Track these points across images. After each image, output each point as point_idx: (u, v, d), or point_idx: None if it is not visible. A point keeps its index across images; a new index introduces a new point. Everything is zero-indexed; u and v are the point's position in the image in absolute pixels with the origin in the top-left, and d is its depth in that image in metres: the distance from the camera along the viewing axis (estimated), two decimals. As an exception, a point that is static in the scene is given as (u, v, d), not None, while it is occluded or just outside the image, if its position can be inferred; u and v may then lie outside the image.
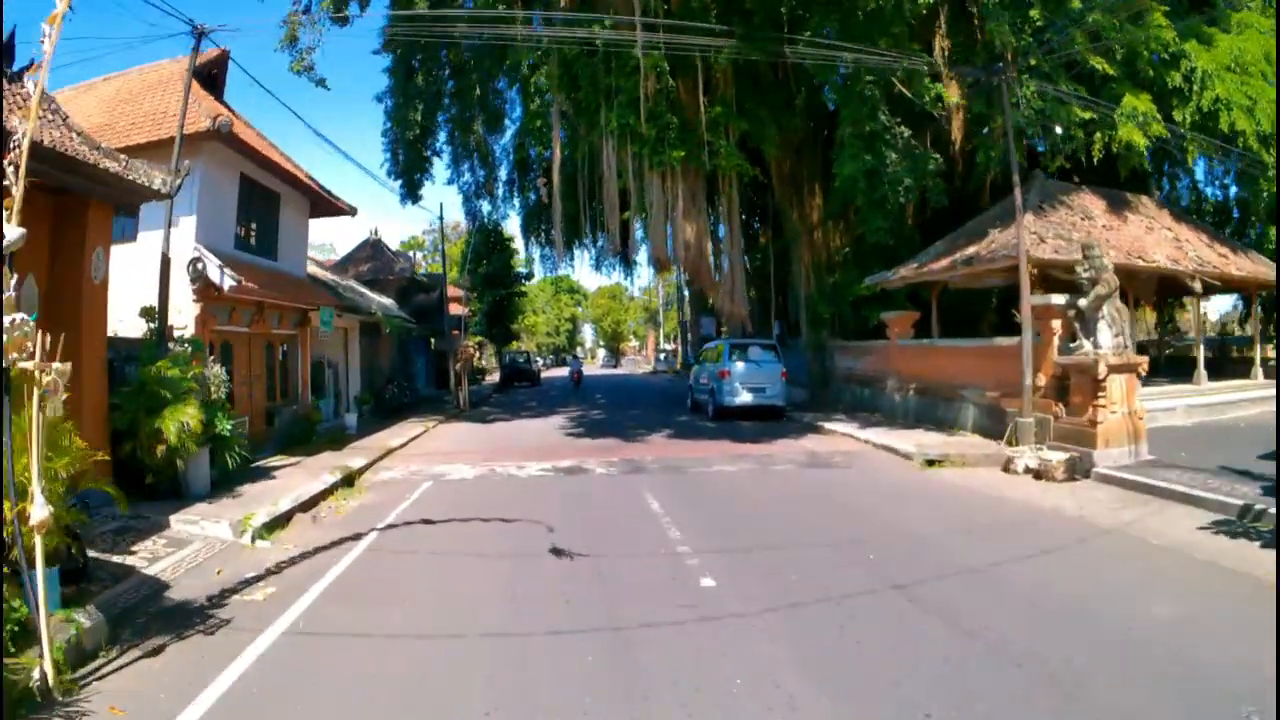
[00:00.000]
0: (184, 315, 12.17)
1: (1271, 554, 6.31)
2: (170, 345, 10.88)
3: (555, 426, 18.84)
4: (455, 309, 52.20)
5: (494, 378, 40.01)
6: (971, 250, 15.97)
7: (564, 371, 71.69)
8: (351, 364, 21.25)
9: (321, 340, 18.74)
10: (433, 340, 33.67)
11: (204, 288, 12.42)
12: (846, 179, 16.78)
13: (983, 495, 9.75)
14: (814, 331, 23.79)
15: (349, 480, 11.47)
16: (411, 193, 26.11)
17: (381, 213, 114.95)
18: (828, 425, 17.05)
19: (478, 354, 46.08)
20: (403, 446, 15.50)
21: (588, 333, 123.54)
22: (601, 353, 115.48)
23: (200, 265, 12.34)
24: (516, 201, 33.35)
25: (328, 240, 49.29)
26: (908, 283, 18.94)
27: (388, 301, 24.80)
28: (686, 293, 48.97)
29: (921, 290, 19.11)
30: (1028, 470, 10.76)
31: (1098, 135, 15.94)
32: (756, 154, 20.86)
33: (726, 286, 20.52)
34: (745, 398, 19.73)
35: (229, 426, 10.58)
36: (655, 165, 17.47)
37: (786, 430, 17.12)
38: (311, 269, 21.38)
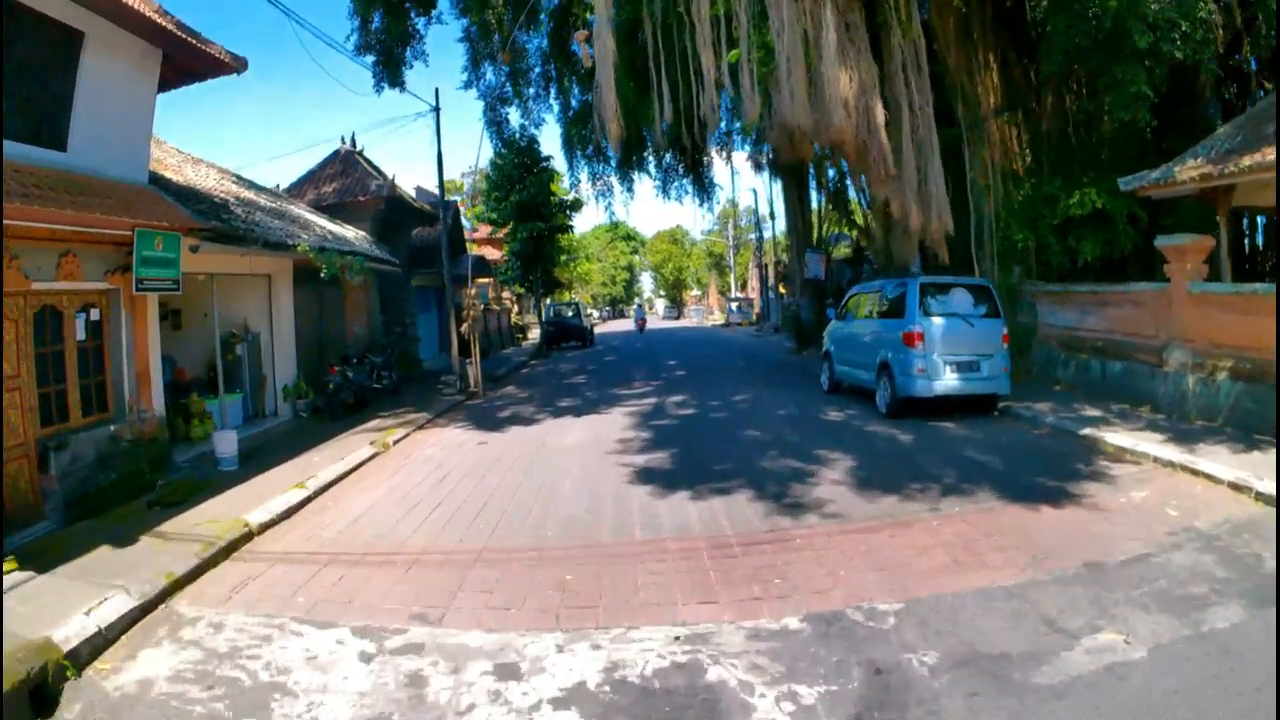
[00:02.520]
0: None
1: None
2: None
3: (614, 441, 10.18)
4: (487, 252, 43.97)
5: (536, 337, 31.74)
6: None
7: (622, 326, 63.56)
8: (280, 332, 13.10)
9: (229, 297, 10.70)
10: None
11: None
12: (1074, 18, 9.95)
13: None
14: (1003, 271, 14.80)
15: None
16: (391, 73, 17.58)
17: (412, 162, 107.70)
18: (1108, 436, 8.47)
19: (514, 307, 37.89)
20: (256, 535, 7.14)
21: (646, 282, 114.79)
22: (660, 303, 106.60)
23: None
24: (555, 105, 24.67)
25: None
26: (1203, 187, 10.10)
27: (351, 233, 16.48)
28: (771, 226, 39.70)
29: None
30: None
31: None
32: None
33: (910, 181, 11.49)
34: (950, 380, 11.02)
35: None
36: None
37: (1043, 450, 8.63)
38: (203, 179, 13.10)
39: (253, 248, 10.47)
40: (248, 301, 12.94)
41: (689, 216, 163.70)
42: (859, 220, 24.34)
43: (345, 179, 19.45)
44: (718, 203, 52.31)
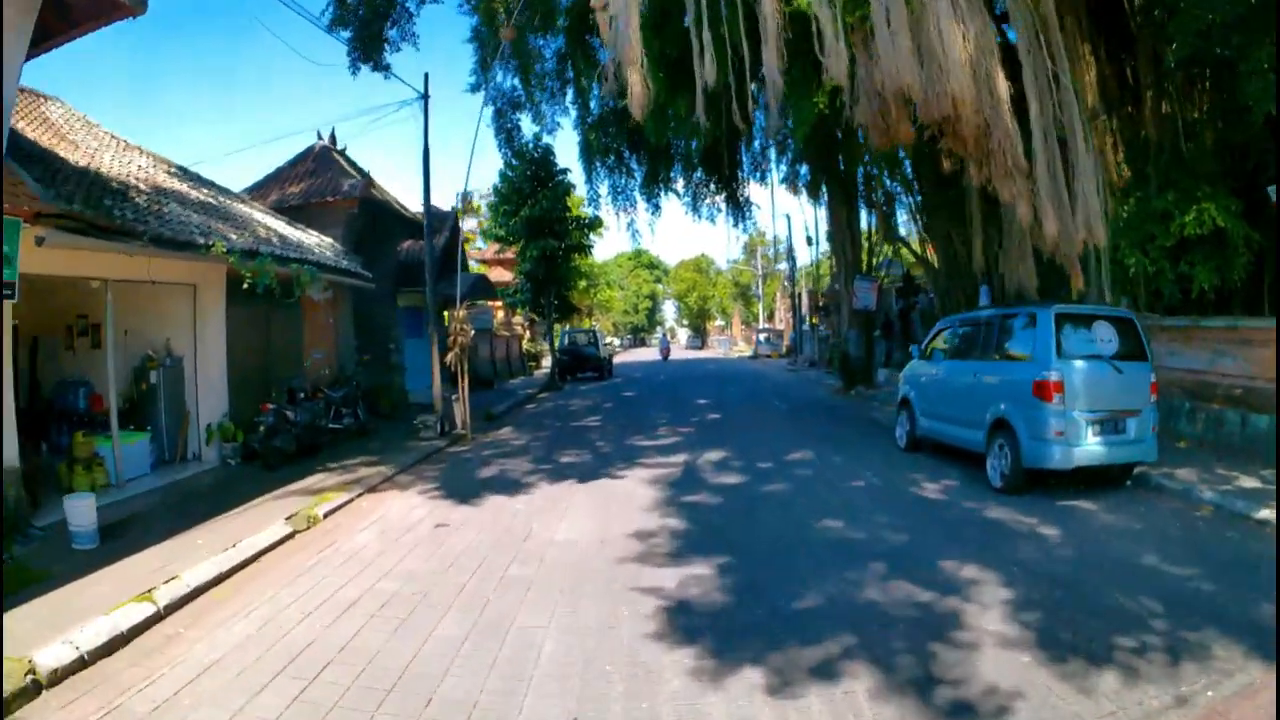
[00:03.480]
0: None
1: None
2: None
3: (629, 535, 6.78)
4: (499, 274, 41.28)
5: (549, 365, 28.81)
6: None
7: (643, 355, 60.70)
8: (207, 357, 10.24)
9: (147, 310, 8.07)
10: (445, 315, 22.65)
11: None
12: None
13: None
14: (1113, 303, 11.92)
15: None
16: (367, 52, 14.92)
17: (412, 173, 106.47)
18: None
19: (526, 333, 35.05)
20: (46, 689, 4.12)
21: (669, 311, 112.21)
22: (683, 333, 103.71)
23: None
24: (572, 109, 21.98)
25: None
26: None
27: (314, 240, 13.73)
28: (814, 250, 36.85)
29: None
30: None
31: None
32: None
33: (1044, 179, 8.42)
34: (1093, 446, 8.03)
35: None
36: None
37: (1231, 547, 5.67)
38: (123, 165, 10.40)
39: (141, 244, 7.62)
40: (172, 318, 10.15)
41: (717, 243, 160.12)
42: (914, 246, 21.39)
43: (316, 179, 16.75)
44: (754, 223, 49.20)
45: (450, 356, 13.84)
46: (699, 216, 23.81)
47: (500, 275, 37.73)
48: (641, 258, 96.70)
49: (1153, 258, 10.84)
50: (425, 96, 14.56)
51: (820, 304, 34.85)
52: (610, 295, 74.66)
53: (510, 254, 30.19)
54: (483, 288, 21.66)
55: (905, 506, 7.77)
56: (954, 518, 7.31)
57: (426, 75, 14.52)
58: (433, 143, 33.20)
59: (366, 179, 15.83)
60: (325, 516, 8.01)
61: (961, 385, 9.58)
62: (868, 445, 11.48)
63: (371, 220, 17.02)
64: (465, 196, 14.79)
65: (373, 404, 15.62)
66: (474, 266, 41.22)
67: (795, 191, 25.67)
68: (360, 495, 8.92)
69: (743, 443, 11.81)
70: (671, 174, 23.65)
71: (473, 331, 13.97)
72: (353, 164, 17.78)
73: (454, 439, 13.12)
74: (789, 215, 60.57)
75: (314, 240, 13.70)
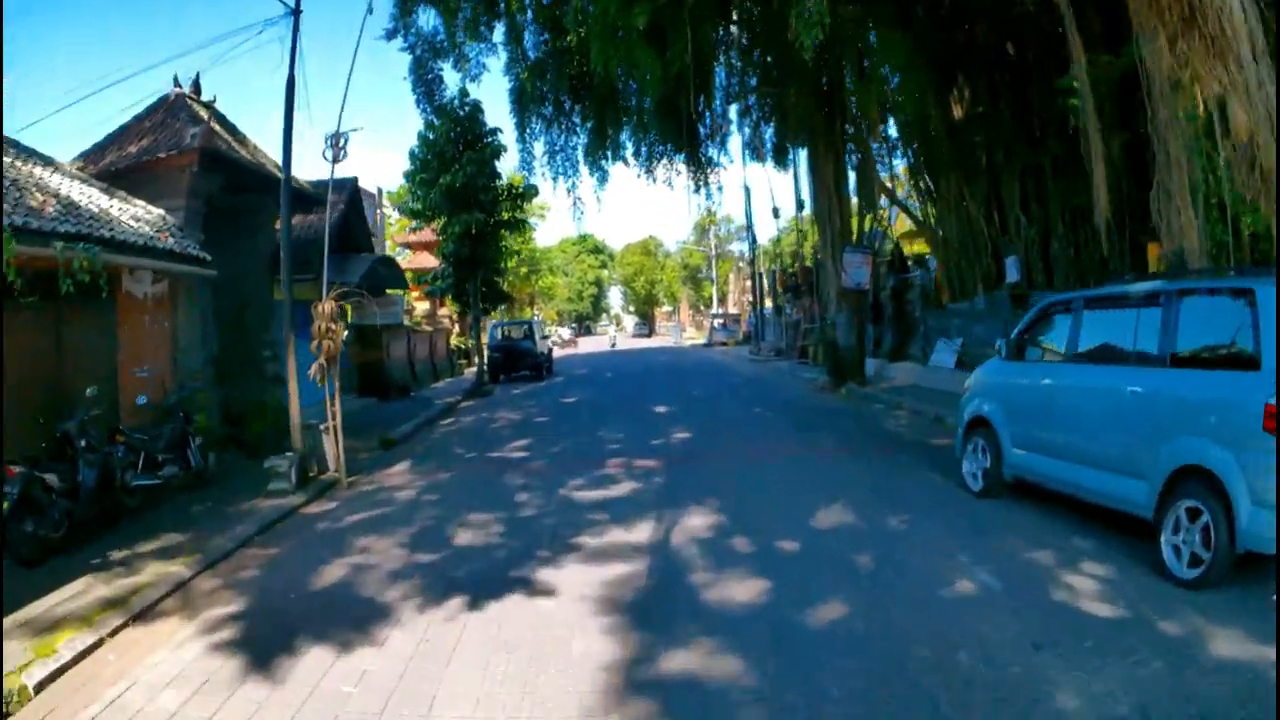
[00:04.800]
0: None
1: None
2: None
3: None
4: (418, 261, 36.65)
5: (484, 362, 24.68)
6: None
7: (592, 346, 56.25)
8: None
9: None
10: (348, 310, 18.44)
11: None
12: None
13: None
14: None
15: None
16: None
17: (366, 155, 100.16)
18: None
19: (455, 327, 30.75)
20: None
21: (615, 298, 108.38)
22: (630, 321, 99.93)
23: None
24: (502, 50, 18.02)
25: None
26: None
27: (131, 213, 9.54)
28: (776, 222, 33.40)
29: None
30: None
31: None
32: None
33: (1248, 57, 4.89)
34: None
35: None
36: None
37: None
38: None
39: None
40: None
41: (666, 224, 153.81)
42: (915, 213, 17.98)
43: (161, 133, 12.42)
44: (719, 188, 44.73)
45: (316, 369, 9.89)
46: (653, 179, 20.04)
47: (429, 261, 33.24)
48: (586, 242, 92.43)
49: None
50: (295, 12, 10.36)
51: (789, 284, 31.37)
52: (553, 282, 70.34)
53: (431, 233, 26.02)
54: (386, 274, 17.50)
55: (1064, 634, 4.13)
56: (1173, 666, 3.71)
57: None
58: (338, 106, 28.71)
59: (205, 128, 11.48)
60: (37, 690, 4.12)
61: (1099, 406, 6.03)
62: (919, 488, 7.87)
63: (231, 187, 12.77)
64: (336, 140, 10.45)
65: (238, 434, 11.57)
66: (398, 253, 36.61)
67: (760, 158, 22.07)
68: (118, 630, 5.02)
69: (736, 490, 8.06)
70: (621, 136, 19.80)
71: (345, 332, 10.05)
72: (222, 120, 13.44)
73: (319, 490, 9.16)
74: (748, 188, 57.04)
75: (134, 212, 9.54)
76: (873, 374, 17.64)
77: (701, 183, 19.87)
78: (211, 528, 7.41)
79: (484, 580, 5.66)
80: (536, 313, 70.52)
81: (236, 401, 12.33)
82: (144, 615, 5.38)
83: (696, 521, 6.93)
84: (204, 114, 13.06)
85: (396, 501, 8.54)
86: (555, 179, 19.00)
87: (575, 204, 19.71)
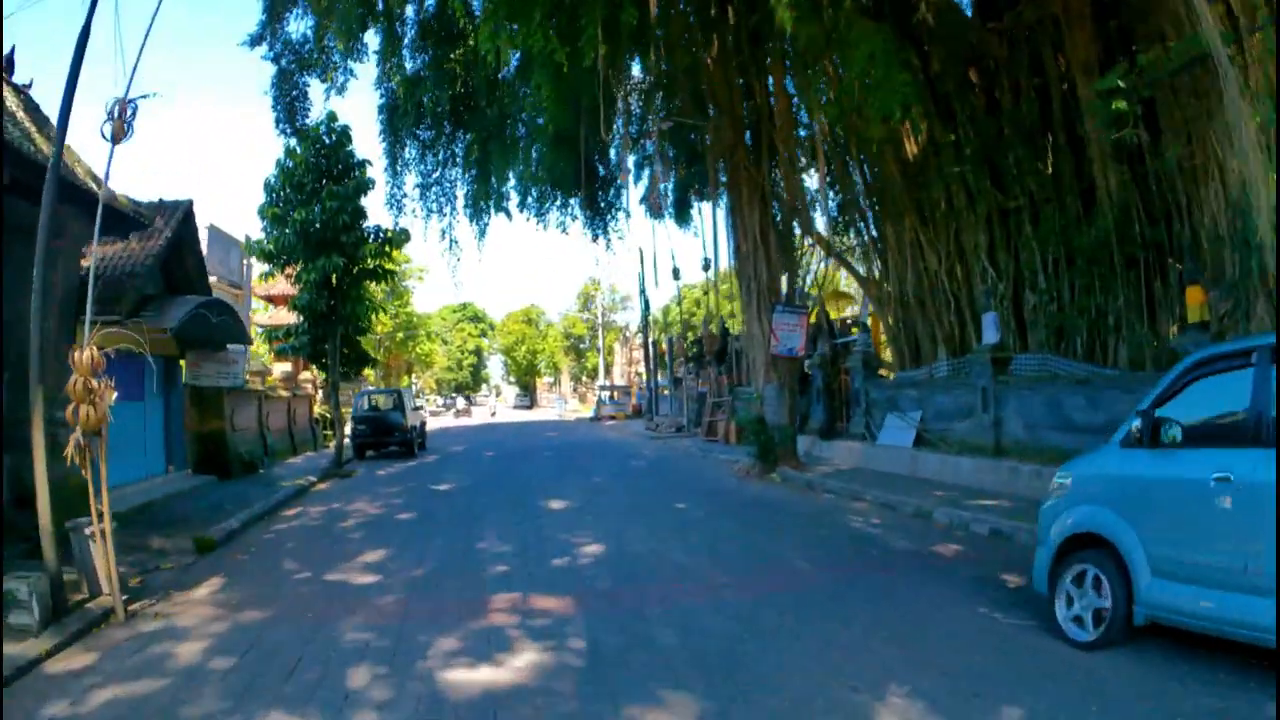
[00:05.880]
0: None
1: None
2: None
3: None
4: (280, 317, 32.29)
5: (348, 434, 20.78)
6: None
7: (472, 420, 51.80)
8: None
9: None
10: (183, 360, 14.56)
11: None
12: None
13: None
14: None
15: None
16: None
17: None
18: None
19: (317, 394, 26.55)
20: None
21: (495, 367, 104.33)
22: (510, 392, 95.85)
23: None
24: (375, 60, 15.47)
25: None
26: None
27: None
28: (676, 283, 31.79)
29: None
30: None
31: None
32: None
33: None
34: None
35: None
36: None
37: None
38: None
39: None
40: None
41: (548, 294, 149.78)
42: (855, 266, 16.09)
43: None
44: (622, 236, 42.77)
45: (70, 449, 6.52)
46: (544, 224, 17.66)
47: (289, 317, 28.98)
48: (466, 310, 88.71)
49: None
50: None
51: (690, 353, 29.19)
52: (432, 349, 66.01)
53: (287, 281, 22.37)
54: (220, 323, 13.83)
55: None
56: None
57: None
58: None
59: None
60: None
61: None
62: (986, 642, 5.30)
63: (23, 193, 9.07)
64: (121, 108, 7.18)
65: (26, 519, 7.78)
66: (255, 308, 32.05)
67: (657, 213, 19.87)
68: None
69: (709, 669, 5.07)
70: (507, 172, 17.26)
71: (114, 395, 6.76)
72: (33, 110, 9.67)
73: (84, 626, 5.72)
74: (640, 249, 56.06)
75: None
76: (803, 454, 15.38)
77: (600, 230, 17.55)
78: None
79: None
80: (415, 380, 65.64)
81: (30, 473, 8.52)
82: None
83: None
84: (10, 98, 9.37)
85: (173, 667, 5.14)
86: (428, 216, 16.36)
87: (451, 246, 17.11)
